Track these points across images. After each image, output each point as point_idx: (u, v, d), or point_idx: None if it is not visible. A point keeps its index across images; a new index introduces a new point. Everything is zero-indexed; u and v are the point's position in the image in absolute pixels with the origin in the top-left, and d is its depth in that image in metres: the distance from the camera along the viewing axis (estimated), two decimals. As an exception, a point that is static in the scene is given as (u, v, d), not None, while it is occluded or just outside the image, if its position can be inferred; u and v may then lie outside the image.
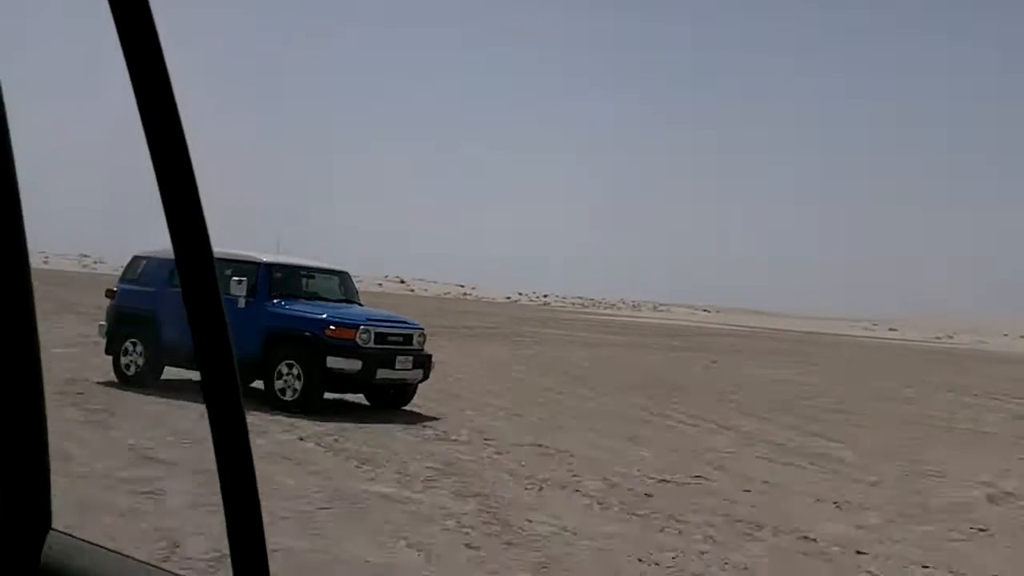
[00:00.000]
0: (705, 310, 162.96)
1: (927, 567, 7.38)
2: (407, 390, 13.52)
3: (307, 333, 12.60)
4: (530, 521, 7.67)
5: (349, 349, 12.43)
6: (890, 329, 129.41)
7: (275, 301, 13.00)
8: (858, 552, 7.62)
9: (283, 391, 12.48)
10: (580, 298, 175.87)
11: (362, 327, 12.64)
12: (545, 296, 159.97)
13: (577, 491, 9.03)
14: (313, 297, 13.62)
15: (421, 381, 13.53)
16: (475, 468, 9.71)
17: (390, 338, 12.99)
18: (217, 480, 1.08)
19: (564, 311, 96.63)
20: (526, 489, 8.93)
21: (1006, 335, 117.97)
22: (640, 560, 6.86)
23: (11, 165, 1.23)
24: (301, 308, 12.97)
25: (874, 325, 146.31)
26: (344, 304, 13.84)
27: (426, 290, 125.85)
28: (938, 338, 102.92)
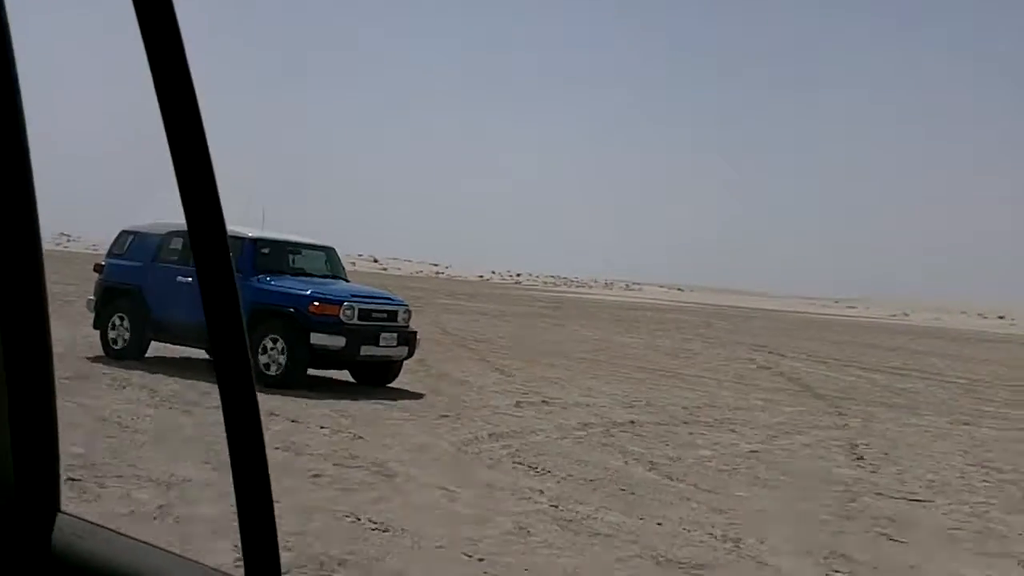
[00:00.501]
0: (679, 289, 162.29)
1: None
2: (392, 367, 13.55)
3: (290, 309, 12.64)
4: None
5: (333, 326, 12.47)
6: (848, 307, 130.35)
7: (260, 277, 13.02)
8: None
9: (267, 366, 12.52)
10: (554, 277, 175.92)
11: (346, 303, 12.68)
12: (519, 275, 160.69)
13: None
14: (299, 273, 13.65)
15: (406, 358, 13.56)
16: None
17: (374, 315, 13.03)
18: (229, 465, 1.07)
19: (519, 288, 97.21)
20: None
21: (964, 313, 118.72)
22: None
23: (27, 156, 1.24)
24: (286, 284, 13.00)
25: (835, 302, 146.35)
26: (330, 280, 13.87)
27: (399, 269, 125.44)
28: (893, 315, 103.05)
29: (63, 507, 1.33)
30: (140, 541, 1.30)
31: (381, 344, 12.91)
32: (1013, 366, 30.46)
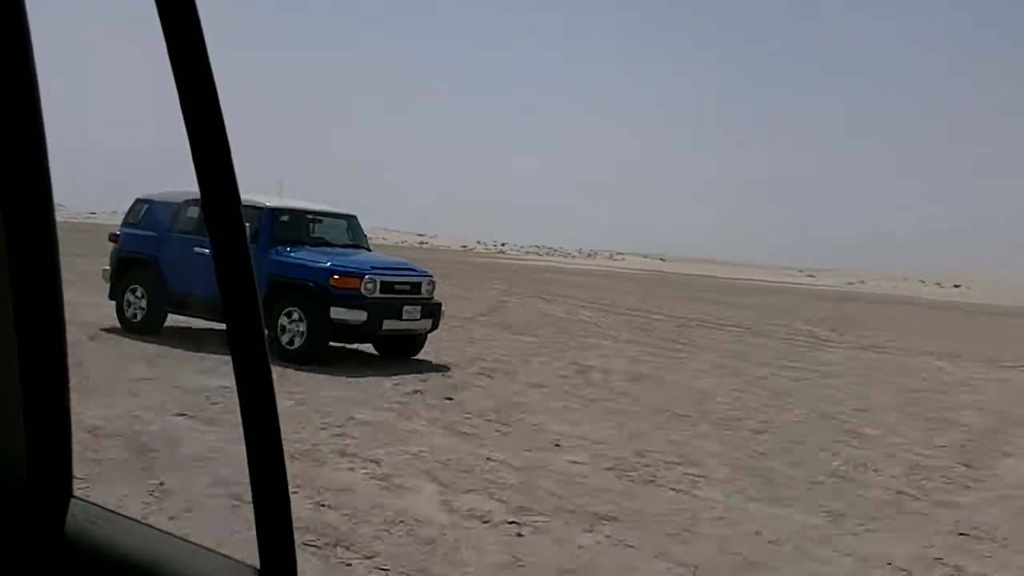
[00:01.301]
0: (662, 259, 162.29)
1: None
2: (416, 340, 13.11)
3: (310, 283, 12.21)
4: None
5: (354, 299, 12.05)
6: (809, 275, 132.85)
7: (278, 248, 12.57)
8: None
9: (288, 341, 12.11)
10: (539, 247, 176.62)
11: (367, 276, 12.23)
12: (503, 245, 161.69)
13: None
14: (319, 243, 13.20)
15: (430, 331, 13.11)
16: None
17: (397, 287, 12.59)
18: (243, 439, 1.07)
19: (499, 257, 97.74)
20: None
21: (922, 281, 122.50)
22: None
23: (42, 138, 1.25)
24: (305, 256, 12.55)
25: (799, 271, 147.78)
26: (351, 250, 13.42)
27: (384, 239, 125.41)
28: (850, 283, 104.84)
29: (75, 493, 1.33)
30: (153, 528, 1.31)
31: (404, 317, 12.48)
32: (780, 311, 34.19)
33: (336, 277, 12.18)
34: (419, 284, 12.97)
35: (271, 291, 12.42)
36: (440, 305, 13.24)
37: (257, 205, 12.99)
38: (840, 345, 21.83)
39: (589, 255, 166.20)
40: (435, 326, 13.18)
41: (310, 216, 13.56)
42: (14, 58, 1.20)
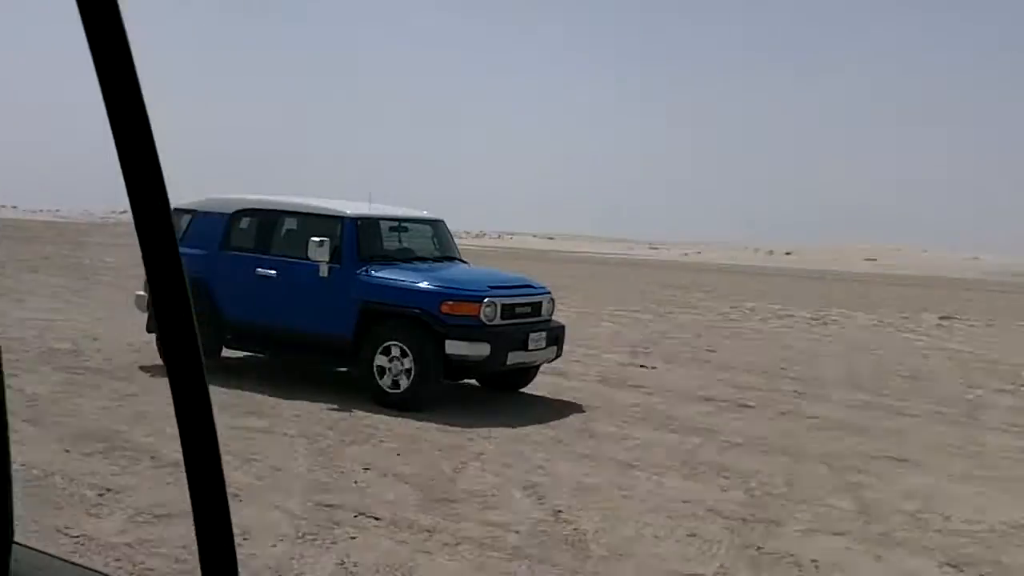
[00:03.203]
0: (550, 237, 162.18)
1: None
2: (529, 371, 10.81)
3: (416, 310, 9.79)
4: None
5: (473, 329, 9.67)
6: (651, 248, 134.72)
7: (368, 268, 10.15)
8: None
9: (393, 384, 9.72)
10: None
11: (486, 299, 9.83)
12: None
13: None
14: (409, 257, 10.75)
15: (552, 360, 10.81)
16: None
17: (518, 310, 10.22)
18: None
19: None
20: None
21: (756, 250, 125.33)
22: None
23: None
24: (402, 276, 10.14)
25: (647, 245, 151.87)
26: (447, 264, 11.03)
27: None
28: (685, 254, 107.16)
29: (16, 539, 1.27)
30: (98, 572, 1.29)
31: (530, 347, 10.12)
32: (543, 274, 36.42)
33: (449, 303, 9.80)
34: (540, 304, 10.58)
35: (362, 321, 10.02)
36: (564, 328, 10.91)
37: (334, 214, 10.53)
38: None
39: (476, 235, 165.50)
40: (559, 354, 10.84)
41: (395, 224, 11.13)
42: None
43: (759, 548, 6.02)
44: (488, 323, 9.76)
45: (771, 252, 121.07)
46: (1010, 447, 9.62)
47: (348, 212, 10.46)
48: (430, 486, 6.97)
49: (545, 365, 11.02)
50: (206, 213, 11.12)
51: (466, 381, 10.81)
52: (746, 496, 7.21)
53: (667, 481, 7.51)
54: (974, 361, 16.78)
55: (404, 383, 9.69)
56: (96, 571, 1.28)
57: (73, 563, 1.30)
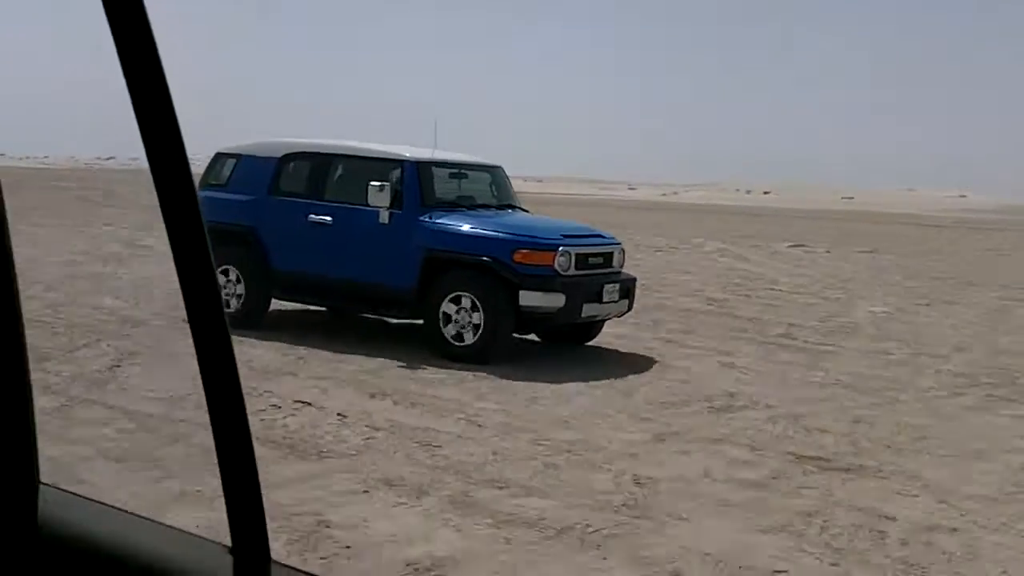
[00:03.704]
0: (539, 180, 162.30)
1: None
2: (596, 324, 10.28)
3: (485, 258, 9.23)
4: None
5: (548, 279, 9.13)
6: (630, 188, 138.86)
7: (432, 213, 9.57)
8: None
9: (457, 335, 9.19)
10: None
11: (561, 248, 9.28)
12: None
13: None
14: (471, 204, 10.16)
15: (624, 313, 10.28)
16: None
17: (591, 260, 9.68)
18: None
19: None
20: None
21: (737, 190, 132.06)
22: None
23: None
24: (469, 223, 9.58)
25: (625, 185, 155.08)
26: (509, 212, 10.45)
27: None
28: (663, 195, 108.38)
29: (43, 480, 1.29)
30: (124, 511, 1.28)
31: (604, 300, 9.58)
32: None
33: (523, 251, 9.23)
34: (611, 255, 10.00)
35: (427, 269, 9.44)
36: (635, 280, 10.36)
37: (394, 157, 9.93)
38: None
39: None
40: (630, 307, 10.31)
41: (457, 169, 10.51)
42: None
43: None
44: (563, 273, 9.21)
45: (749, 191, 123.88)
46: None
47: (409, 156, 9.86)
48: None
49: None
50: (253, 157, 10.48)
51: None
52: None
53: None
54: (735, 277, 18.24)
55: (470, 336, 9.15)
56: (121, 509, 1.29)
57: (99, 502, 1.31)
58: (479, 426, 6.93)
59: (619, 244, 10.25)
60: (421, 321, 9.60)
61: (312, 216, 9.98)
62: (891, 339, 11.72)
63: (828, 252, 26.18)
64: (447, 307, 9.24)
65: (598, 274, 9.62)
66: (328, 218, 9.94)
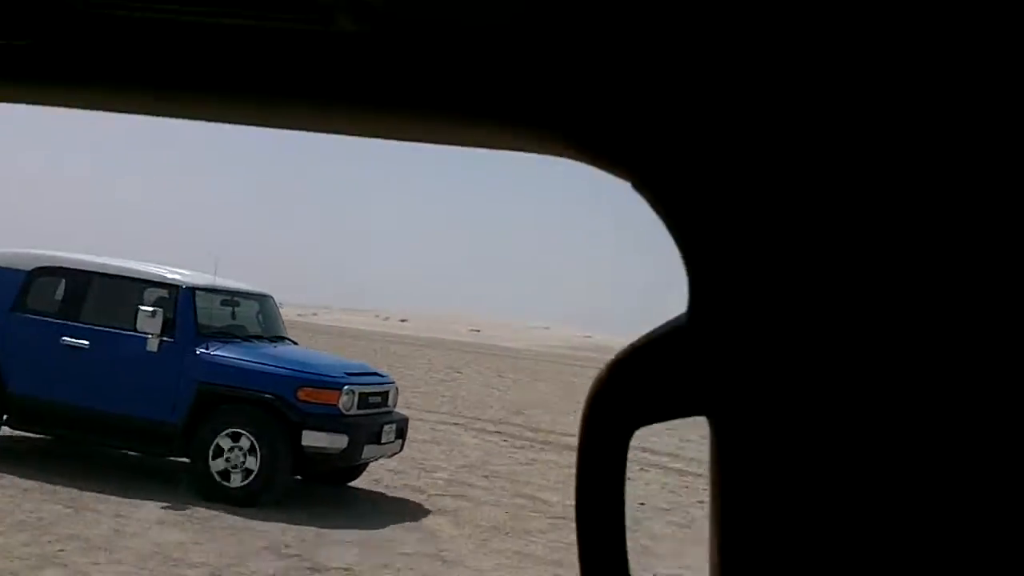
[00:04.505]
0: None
1: None
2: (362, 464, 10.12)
3: (267, 395, 8.87)
4: None
5: (332, 419, 8.92)
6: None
7: (207, 344, 9.09)
8: None
9: (225, 473, 8.69)
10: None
11: (346, 387, 9.12)
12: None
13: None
14: (245, 336, 9.76)
15: (396, 454, 10.20)
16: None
17: (371, 399, 9.57)
18: None
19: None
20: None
21: (377, 316, 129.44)
22: None
23: None
24: (249, 355, 9.18)
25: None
26: (285, 345, 10.14)
27: None
28: (300, 315, 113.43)
29: None
30: None
31: (383, 440, 9.46)
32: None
33: (308, 389, 8.93)
34: (387, 393, 9.92)
35: (199, 404, 8.89)
36: (407, 420, 10.30)
37: (167, 281, 9.39)
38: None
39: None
40: (402, 447, 10.20)
41: (229, 296, 10.04)
42: None
43: None
44: (346, 413, 9.04)
45: (387, 319, 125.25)
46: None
47: (182, 279, 9.35)
48: None
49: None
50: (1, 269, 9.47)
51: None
52: None
53: None
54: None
55: (238, 478, 8.66)
56: None
57: None
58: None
59: (394, 383, 10.23)
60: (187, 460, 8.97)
61: (65, 338, 9.13)
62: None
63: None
64: (219, 446, 8.72)
65: (376, 413, 9.52)
66: (85, 342, 9.13)
